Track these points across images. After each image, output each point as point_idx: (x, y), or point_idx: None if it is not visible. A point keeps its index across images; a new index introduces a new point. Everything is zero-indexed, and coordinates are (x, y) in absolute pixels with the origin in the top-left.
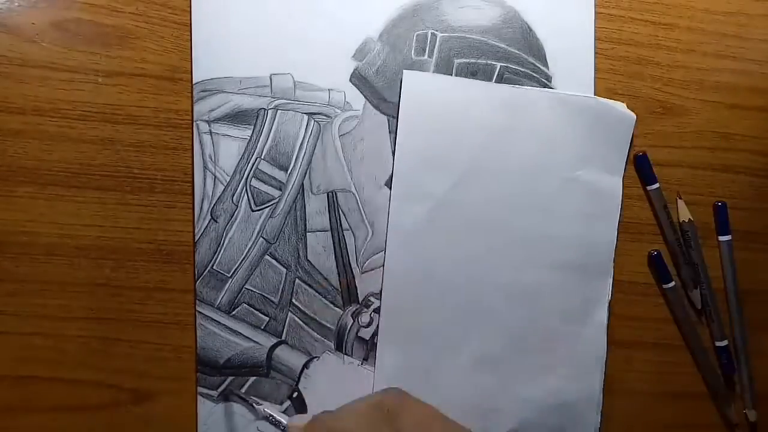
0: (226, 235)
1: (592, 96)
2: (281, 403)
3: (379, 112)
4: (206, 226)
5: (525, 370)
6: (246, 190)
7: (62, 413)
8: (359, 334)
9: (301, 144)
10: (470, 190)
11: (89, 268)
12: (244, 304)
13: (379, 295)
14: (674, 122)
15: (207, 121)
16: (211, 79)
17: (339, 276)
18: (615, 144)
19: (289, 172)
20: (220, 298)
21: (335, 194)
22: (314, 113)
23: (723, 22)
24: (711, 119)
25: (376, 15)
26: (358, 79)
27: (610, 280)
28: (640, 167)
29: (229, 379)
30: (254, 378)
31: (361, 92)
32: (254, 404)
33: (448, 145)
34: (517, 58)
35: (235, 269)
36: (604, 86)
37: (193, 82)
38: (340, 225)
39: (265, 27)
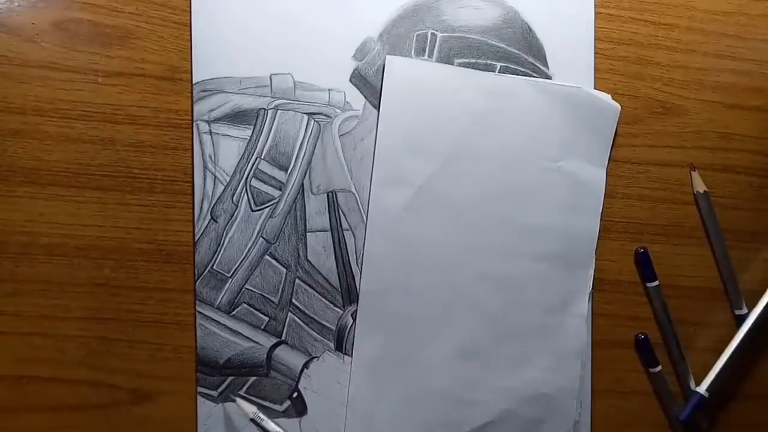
0: (226, 235)
1: (577, 86)
2: (281, 403)
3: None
4: (206, 226)
5: (505, 361)
6: (246, 190)
7: (62, 413)
8: None
9: (301, 144)
10: (452, 177)
11: (89, 268)
12: (244, 304)
13: None
14: (674, 122)
15: (207, 121)
16: (211, 79)
17: (339, 276)
18: (599, 135)
19: (289, 172)
20: (220, 298)
21: (335, 194)
22: (314, 113)
23: (723, 22)
24: (711, 119)
25: (376, 15)
26: (358, 79)
27: (592, 272)
28: (641, 263)
29: (229, 379)
30: (254, 378)
31: (361, 92)
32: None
33: (430, 131)
34: (516, 58)
35: (235, 269)
36: (604, 86)
37: (193, 82)
38: (340, 225)
39: (265, 27)
